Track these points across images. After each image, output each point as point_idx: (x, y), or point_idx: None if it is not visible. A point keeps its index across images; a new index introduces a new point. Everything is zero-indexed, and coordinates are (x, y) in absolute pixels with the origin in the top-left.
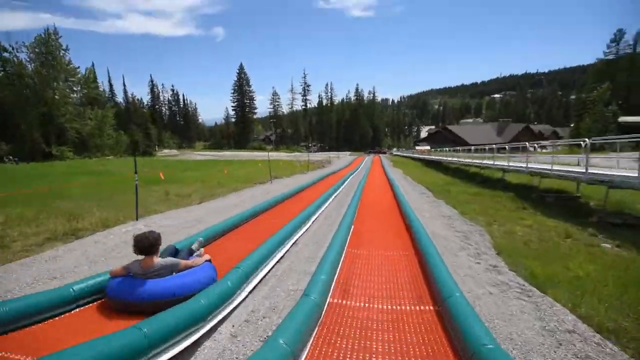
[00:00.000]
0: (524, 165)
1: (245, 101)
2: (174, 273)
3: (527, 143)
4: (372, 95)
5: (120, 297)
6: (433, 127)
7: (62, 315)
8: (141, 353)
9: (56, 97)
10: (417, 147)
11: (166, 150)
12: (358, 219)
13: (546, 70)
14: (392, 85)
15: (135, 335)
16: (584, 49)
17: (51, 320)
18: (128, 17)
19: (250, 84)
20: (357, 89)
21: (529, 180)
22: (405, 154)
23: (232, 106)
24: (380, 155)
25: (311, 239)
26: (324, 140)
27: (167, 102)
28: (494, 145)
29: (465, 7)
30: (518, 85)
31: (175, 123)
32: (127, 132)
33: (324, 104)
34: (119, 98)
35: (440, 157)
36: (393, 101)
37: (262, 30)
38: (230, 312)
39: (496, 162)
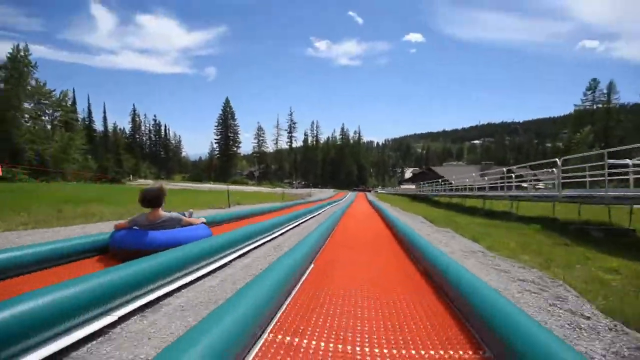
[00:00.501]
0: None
1: (229, 134)
2: (177, 227)
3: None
4: (357, 135)
5: (125, 247)
6: (417, 168)
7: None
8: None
9: (17, 115)
10: (402, 187)
11: (141, 180)
12: (328, 250)
13: (521, 120)
14: (376, 128)
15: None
16: (555, 101)
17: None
18: (122, 53)
19: (235, 117)
20: (342, 129)
21: (548, 212)
22: (390, 192)
23: (216, 139)
24: (365, 192)
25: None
26: (308, 177)
27: (147, 133)
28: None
29: (446, 60)
30: (496, 132)
31: (155, 154)
32: (97, 158)
33: (309, 141)
34: (100, 126)
35: (427, 192)
36: (378, 143)
37: (252, 73)
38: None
39: (499, 193)
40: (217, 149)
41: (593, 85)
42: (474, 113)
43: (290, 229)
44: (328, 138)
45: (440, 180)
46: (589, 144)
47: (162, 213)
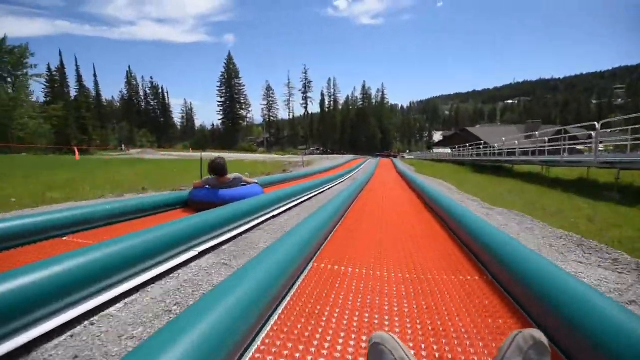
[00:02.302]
0: None
1: (235, 96)
2: (239, 185)
3: None
4: (380, 94)
5: (201, 200)
6: (447, 131)
7: (156, 214)
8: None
9: None
10: (434, 151)
11: (135, 150)
12: None
13: (561, 77)
14: (400, 90)
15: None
16: (597, 56)
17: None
18: (140, 23)
19: (240, 75)
20: (363, 87)
21: None
22: (420, 158)
23: (219, 102)
24: (392, 158)
25: None
26: (326, 142)
27: (144, 97)
28: None
29: (473, 14)
30: (533, 90)
31: (154, 120)
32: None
33: (326, 102)
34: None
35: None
36: (402, 106)
37: (272, 38)
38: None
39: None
40: (222, 113)
41: None
42: (507, 71)
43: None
44: (347, 97)
45: (481, 143)
46: None
47: (228, 176)
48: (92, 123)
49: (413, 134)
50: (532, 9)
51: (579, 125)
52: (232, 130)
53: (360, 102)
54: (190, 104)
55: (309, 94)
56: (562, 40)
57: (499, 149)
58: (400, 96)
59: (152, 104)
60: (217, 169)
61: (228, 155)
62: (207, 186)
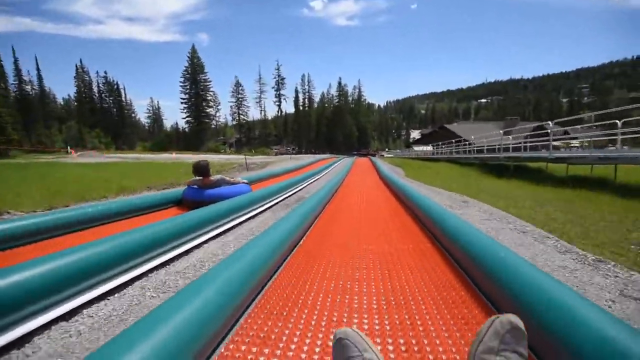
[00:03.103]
0: None
1: (200, 92)
2: (222, 185)
3: None
4: (357, 90)
5: (192, 199)
6: (425, 128)
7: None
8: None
9: None
10: (415, 148)
11: (81, 152)
12: None
13: (530, 77)
14: (377, 90)
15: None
16: (562, 57)
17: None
18: (109, 22)
19: (205, 71)
20: (339, 83)
21: None
22: (403, 156)
23: (183, 99)
24: (370, 157)
25: None
26: (301, 142)
27: (97, 93)
28: None
29: (446, 17)
30: (504, 89)
31: (110, 120)
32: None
33: (300, 100)
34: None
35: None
36: (379, 106)
37: (247, 38)
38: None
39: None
40: (186, 112)
41: None
42: (479, 71)
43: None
44: (323, 94)
45: (461, 140)
46: None
47: (211, 178)
48: (11, 120)
49: (390, 132)
50: (501, 12)
51: (559, 120)
52: (198, 130)
53: (337, 100)
54: (158, 102)
55: (282, 92)
56: (530, 41)
57: (488, 145)
58: (377, 96)
59: (107, 101)
60: (200, 170)
61: (174, 157)
62: (195, 186)
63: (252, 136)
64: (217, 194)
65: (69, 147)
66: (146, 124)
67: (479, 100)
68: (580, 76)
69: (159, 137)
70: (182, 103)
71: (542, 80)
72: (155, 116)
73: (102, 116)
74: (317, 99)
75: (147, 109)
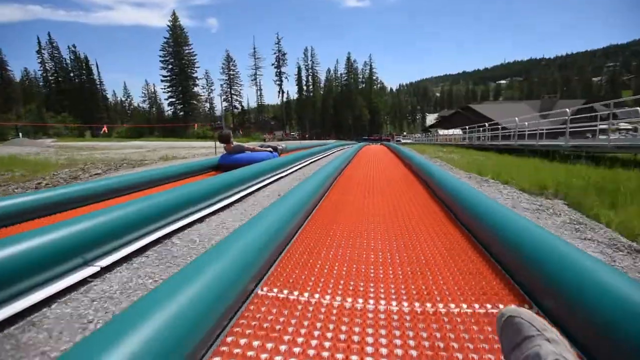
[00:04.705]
0: None
1: (185, 67)
2: (245, 152)
3: None
4: (368, 68)
5: (222, 163)
6: (443, 112)
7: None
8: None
9: None
10: (440, 132)
11: (43, 140)
12: None
13: (552, 56)
14: (388, 73)
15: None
16: (587, 35)
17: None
18: (118, 8)
19: (190, 42)
20: (348, 59)
21: None
22: (421, 142)
23: (164, 77)
24: (384, 143)
25: None
26: (304, 126)
27: (66, 74)
28: None
29: None
30: (525, 70)
31: (78, 101)
32: None
33: (303, 78)
34: None
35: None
36: (391, 89)
37: (256, 22)
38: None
39: None
40: (168, 91)
41: None
42: (497, 51)
43: None
44: (328, 71)
45: (495, 123)
46: None
47: (232, 145)
48: None
49: (404, 115)
50: None
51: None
52: (185, 112)
53: (345, 78)
54: (154, 85)
55: (283, 69)
56: (551, 20)
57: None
58: (389, 79)
59: (75, 81)
60: (223, 138)
61: (154, 144)
62: (224, 152)
63: (247, 119)
64: (240, 158)
65: (20, 134)
66: (144, 109)
67: (497, 82)
68: (609, 54)
69: (139, 121)
70: (162, 81)
71: (566, 59)
72: (151, 101)
73: (70, 99)
74: (322, 77)
75: (143, 92)
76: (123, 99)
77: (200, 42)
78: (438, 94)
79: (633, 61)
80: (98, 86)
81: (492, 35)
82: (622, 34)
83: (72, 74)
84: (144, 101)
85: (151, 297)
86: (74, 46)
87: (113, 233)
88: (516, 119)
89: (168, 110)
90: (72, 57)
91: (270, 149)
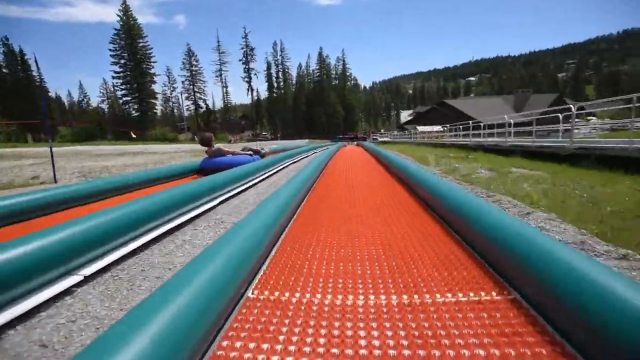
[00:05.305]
0: None
1: (139, 61)
2: (223, 155)
3: None
4: (341, 63)
5: (203, 167)
6: (418, 108)
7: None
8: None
9: None
10: (419, 129)
11: None
12: None
13: (517, 54)
14: (362, 71)
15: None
16: (547, 33)
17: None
18: (78, 3)
19: (145, 35)
20: (320, 54)
21: None
22: (407, 141)
23: (116, 73)
24: (360, 142)
25: None
26: (275, 124)
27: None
28: None
29: None
30: (493, 67)
31: (17, 99)
32: None
33: (273, 74)
34: None
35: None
36: (365, 87)
37: (227, 19)
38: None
39: None
40: (122, 88)
41: None
42: (465, 50)
43: None
44: (299, 66)
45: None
46: None
47: (212, 148)
48: None
49: (379, 113)
50: None
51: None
52: (142, 111)
53: (317, 74)
54: (113, 84)
55: (251, 65)
56: (515, 19)
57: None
58: (362, 76)
59: (8, 79)
60: (203, 141)
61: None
62: (206, 155)
63: (214, 119)
64: (220, 161)
65: None
66: (102, 111)
67: (467, 79)
68: (567, 52)
69: (89, 121)
70: (114, 78)
71: (530, 57)
72: (111, 100)
73: (3, 99)
74: (293, 73)
75: (100, 92)
76: (79, 99)
77: (166, 40)
78: (410, 91)
79: (590, 58)
80: (39, 84)
81: (461, 33)
82: (579, 33)
83: (4, 70)
84: (103, 101)
85: (144, 306)
86: (6, 38)
87: (92, 241)
88: (505, 116)
89: (125, 109)
90: (4, 51)
91: (250, 152)
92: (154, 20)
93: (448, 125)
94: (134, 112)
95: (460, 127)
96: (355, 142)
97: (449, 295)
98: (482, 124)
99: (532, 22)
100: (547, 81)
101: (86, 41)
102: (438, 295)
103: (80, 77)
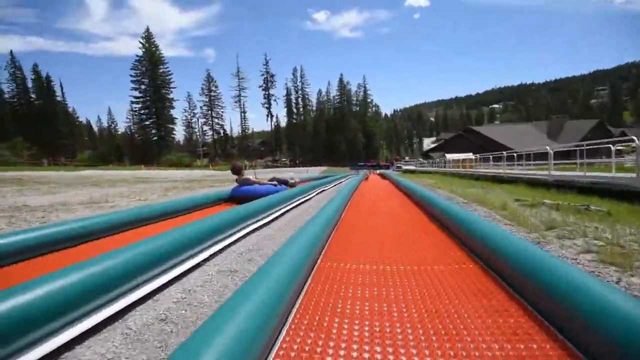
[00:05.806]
0: None
1: (160, 89)
2: (250, 184)
3: None
4: (362, 90)
5: (232, 195)
6: (442, 135)
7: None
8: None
9: None
10: (448, 157)
11: None
12: None
13: (541, 81)
14: (383, 99)
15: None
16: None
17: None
18: (118, 39)
19: (165, 61)
20: (341, 80)
21: None
22: (428, 169)
23: (135, 98)
24: (384, 171)
25: None
26: (294, 151)
27: (26, 96)
28: None
29: (451, 24)
30: (517, 95)
31: (35, 125)
32: None
33: (292, 100)
34: None
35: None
36: (386, 114)
37: (252, 52)
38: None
39: None
40: (141, 114)
41: None
42: (487, 77)
43: None
44: (319, 92)
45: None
46: None
47: (242, 177)
48: None
49: (401, 140)
50: (505, 18)
51: None
52: (160, 136)
53: (337, 100)
54: (132, 109)
55: (271, 91)
56: (539, 46)
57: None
58: (384, 104)
59: (36, 104)
60: (234, 170)
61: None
62: (236, 184)
63: (231, 145)
64: (247, 190)
65: None
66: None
67: (490, 106)
68: (596, 78)
69: (102, 150)
70: (133, 103)
71: (556, 84)
72: (137, 126)
73: (27, 123)
74: (313, 99)
75: (127, 117)
76: (108, 124)
77: (197, 73)
78: (432, 119)
79: (622, 84)
80: (61, 107)
81: (483, 61)
82: (607, 59)
83: (33, 97)
84: (128, 126)
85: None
86: (36, 65)
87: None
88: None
89: (141, 134)
90: (32, 78)
91: (275, 182)
92: (186, 53)
93: (477, 154)
94: (152, 136)
95: (504, 154)
96: (378, 171)
97: None
98: (531, 154)
99: (555, 49)
100: (578, 107)
101: (120, 71)
102: None
103: (110, 104)
